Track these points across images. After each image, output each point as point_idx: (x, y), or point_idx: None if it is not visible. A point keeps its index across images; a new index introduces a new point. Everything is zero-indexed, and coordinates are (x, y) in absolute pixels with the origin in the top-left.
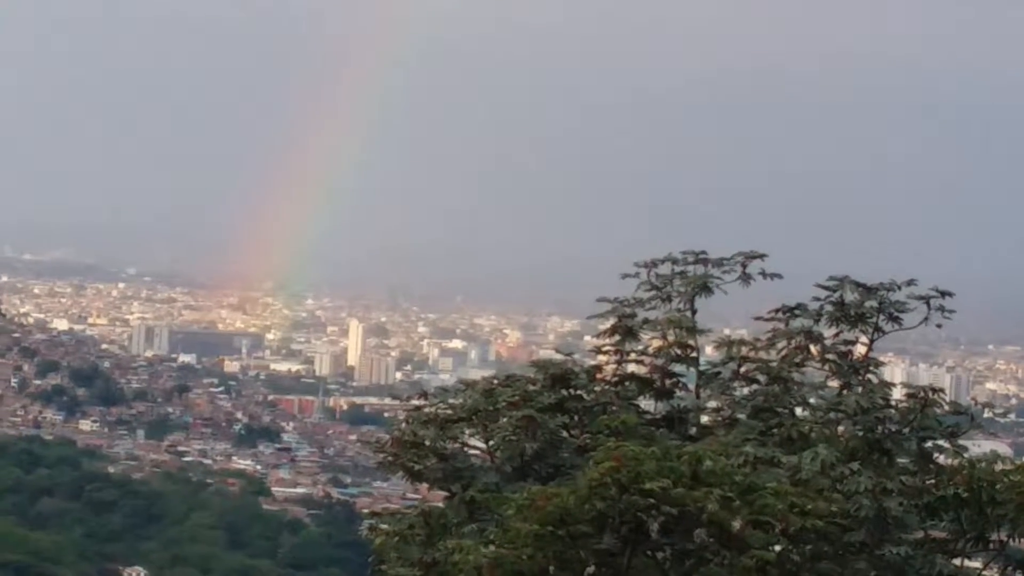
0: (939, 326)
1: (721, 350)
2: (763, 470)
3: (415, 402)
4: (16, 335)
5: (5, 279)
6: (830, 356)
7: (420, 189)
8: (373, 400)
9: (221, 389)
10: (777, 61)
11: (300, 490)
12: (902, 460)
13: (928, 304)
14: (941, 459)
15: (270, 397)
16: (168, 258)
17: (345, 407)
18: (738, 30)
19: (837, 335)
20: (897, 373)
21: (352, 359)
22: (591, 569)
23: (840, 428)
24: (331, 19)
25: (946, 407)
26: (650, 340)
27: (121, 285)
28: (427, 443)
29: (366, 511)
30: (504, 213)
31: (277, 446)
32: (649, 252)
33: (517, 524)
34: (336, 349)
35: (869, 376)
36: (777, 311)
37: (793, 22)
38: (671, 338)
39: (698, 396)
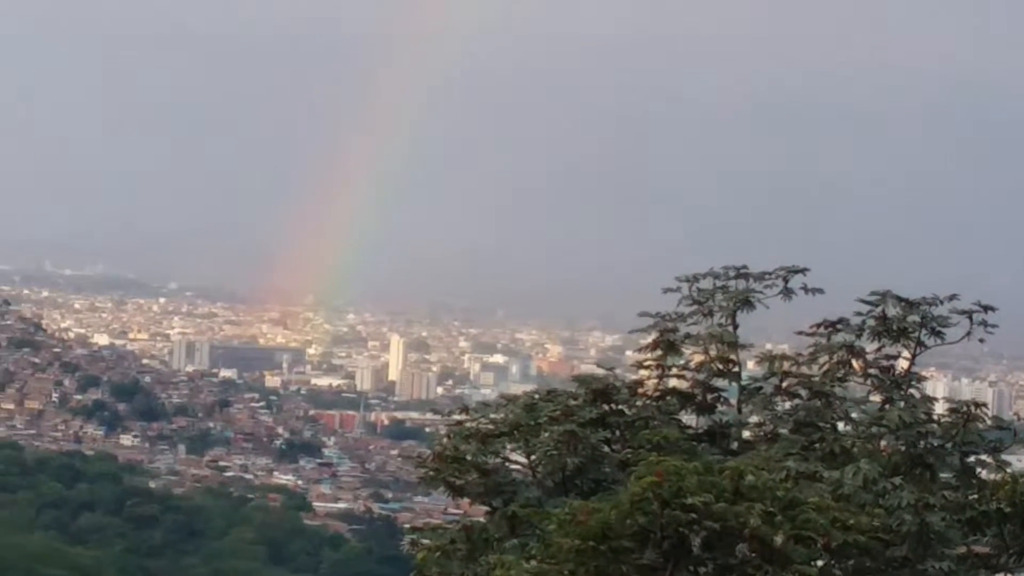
0: (982, 341)
1: (763, 365)
2: (805, 485)
3: (456, 417)
4: (57, 350)
5: (46, 294)
6: (872, 371)
7: (460, 202)
8: (414, 415)
9: (262, 404)
10: (812, 74)
11: (341, 505)
12: (944, 475)
13: (971, 319)
14: (984, 474)
15: (311, 412)
16: (209, 273)
17: (386, 422)
18: (773, 44)
19: (879, 350)
20: (939, 388)
21: (393, 374)
22: None
23: (882, 443)
24: (370, 31)
25: (988, 422)
26: (692, 355)
27: (162, 300)
28: (468, 458)
29: (407, 526)
30: (543, 226)
31: (318, 461)
32: (688, 265)
33: (559, 539)
34: (377, 364)
35: (911, 391)
36: (819, 326)
37: (828, 37)
38: (713, 353)
39: (740, 411)
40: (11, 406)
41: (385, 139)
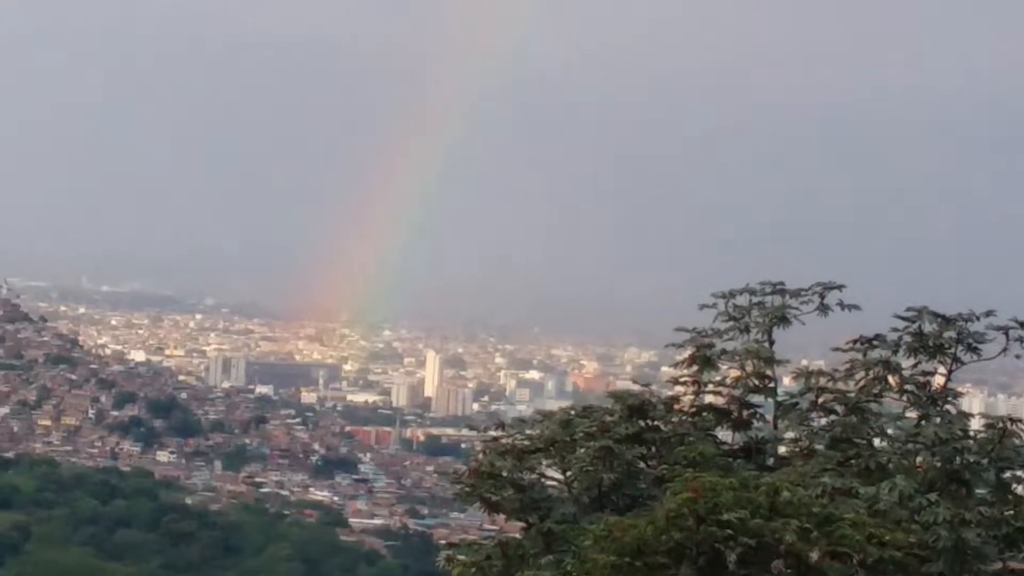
0: (1018, 357)
1: (799, 380)
2: (841, 501)
3: (492, 433)
4: (94, 366)
5: (83, 311)
6: (908, 387)
7: (496, 220)
8: (450, 431)
9: (298, 420)
10: (848, 95)
11: (377, 521)
12: (980, 491)
13: (1007, 335)
14: (1020, 490)
15: (347, 428)
16: (245, 289)
17: (422, 438)
18: (808, 65)
19: (915, 366)
20: (975, 403)
21: (429, 390)
22: None
23: (918, 459)
24: (410, 51)
25: None
26: (728, 371)
27: (198, 316)
28: (504, 474)
29: (443, 542)
30: (580, 243)
31: (354, 477)
32: (720, 282)
33: (594, 555)
34: (413, 380)
35: (947, 407)
36: (855, 342)
37: (864, 58)
38: (749, 368)
39: (776, 427)
40: (48, 422)
41: (422, 157)
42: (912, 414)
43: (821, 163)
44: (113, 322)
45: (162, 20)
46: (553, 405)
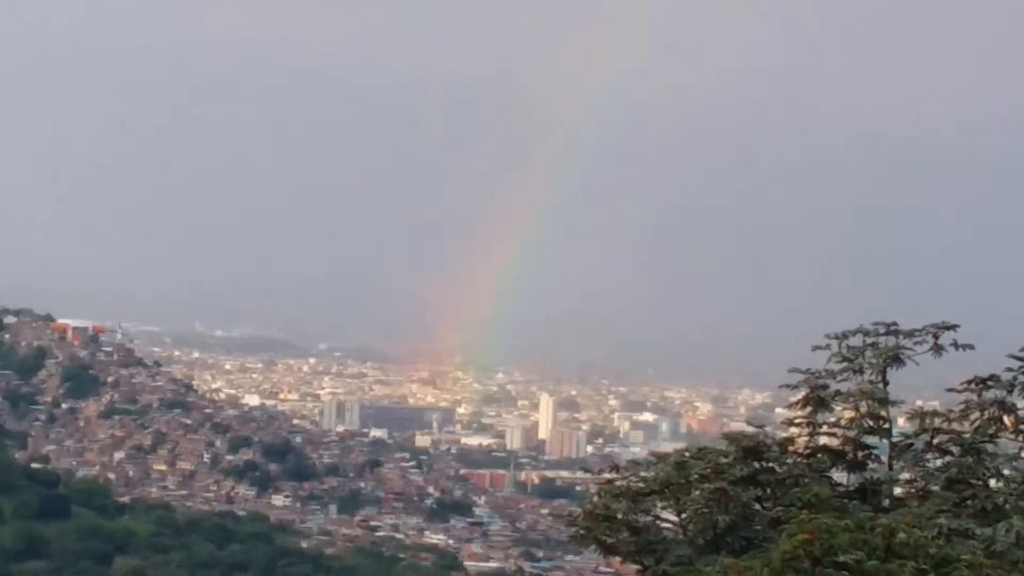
0: None
1: (913, 421)
2: (957, 542)
3: (607, 475)
4: (208, 411)
5: (197, 355)
6: None
7: (607, 265)
8: (564, 473)
9: (412, 464)
10: (951, 128)
11: (493, 564)
12: None
13: None
14: None
15: (461, 471)
16: (358, 333)
17: (536, 481)
18: (900, 93)
19: None
20: None
21: (543, 433)
22: None
23: None
24: (523, 88)
25: None
26: (842, 412)
27: (312, 360)
28: (619, 516)
29: None
30: (693, 285)
31: (469, 520)
32: (837, 320)
33: None
34: (527, 423)
35: None
36: (970, 382)
37: (956, 85)
38: (863, 410)
39: (891, 468)
40: (163, 467)
41: (533, 200)
42: None
43: (923, 195)
44: (227, 366)
45: (272, 61)
46: (667, 447)
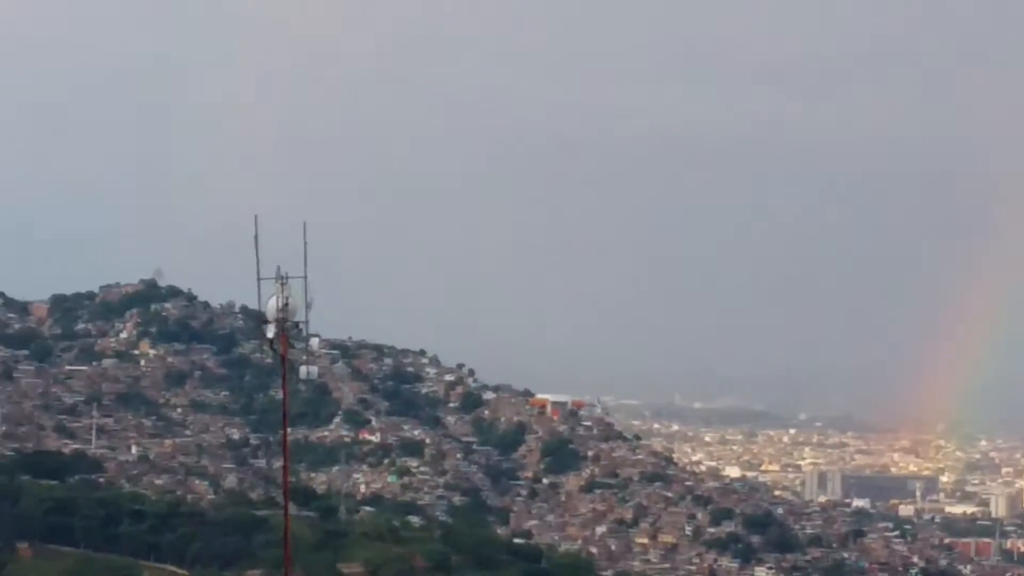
0: None
1: None
2: None
3: None
4: (688, 483)
5: (676, 428)
6: None
7: None
8: None
9: (896, 533)
10: None
11: None
12: None
13: None
14: None
15: (946, 540)
16: (838, 403)
17: (1023, 549)
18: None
19: None
20: None
21: None
22: None
23: None
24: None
25: None
26: None
27: (792, 431)
28: None
29: None
30: None
31: None
32: None
33: None
34: (1011, 490)
35: None
36: None
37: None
38: None
39: None
40: (645, 540)
41: (1014, 264)
42: None
43: None
44: (707, 438)
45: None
46: None
